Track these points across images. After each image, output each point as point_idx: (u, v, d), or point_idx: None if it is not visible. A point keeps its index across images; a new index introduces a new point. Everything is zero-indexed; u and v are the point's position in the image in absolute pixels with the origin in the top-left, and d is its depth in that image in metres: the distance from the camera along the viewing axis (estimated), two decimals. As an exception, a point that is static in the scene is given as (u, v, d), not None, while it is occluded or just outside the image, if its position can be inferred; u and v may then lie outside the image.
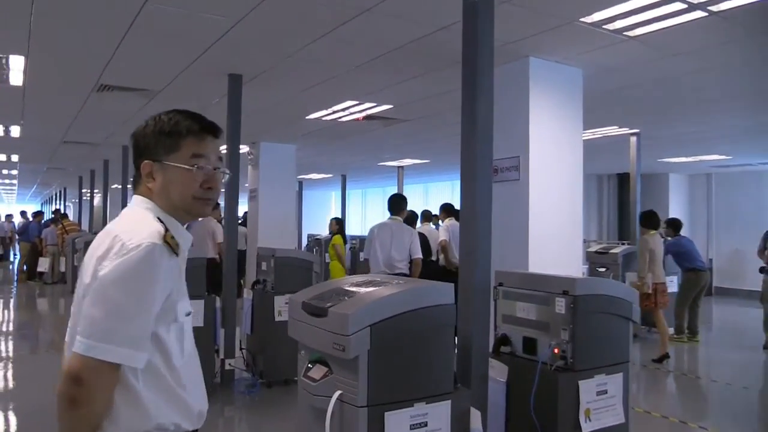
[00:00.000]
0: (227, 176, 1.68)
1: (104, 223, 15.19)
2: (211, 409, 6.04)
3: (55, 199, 29.34)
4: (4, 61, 5.49)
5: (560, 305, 3.16)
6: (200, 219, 12.57)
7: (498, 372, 3.27)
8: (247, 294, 6.42)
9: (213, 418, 5.30)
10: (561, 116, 5.28)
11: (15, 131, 9.57)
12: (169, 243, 1.48)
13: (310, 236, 16.62)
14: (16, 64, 5.62)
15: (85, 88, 6.50)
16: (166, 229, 1.50)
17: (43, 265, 14.54)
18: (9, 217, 26.32)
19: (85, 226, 21.72)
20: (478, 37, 3.20)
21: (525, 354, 3.33)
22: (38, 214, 18.02)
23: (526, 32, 4.52)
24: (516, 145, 5.13)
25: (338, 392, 2.46)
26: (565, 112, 5.30)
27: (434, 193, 19.10)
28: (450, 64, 5.15)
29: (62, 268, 14.14)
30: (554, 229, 5.18)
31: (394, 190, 14.13)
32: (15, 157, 13.41)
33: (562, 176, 5.29)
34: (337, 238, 10.23)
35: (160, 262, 1.45)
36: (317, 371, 2.61)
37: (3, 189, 24.56)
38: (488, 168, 3.26)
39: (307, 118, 8.02)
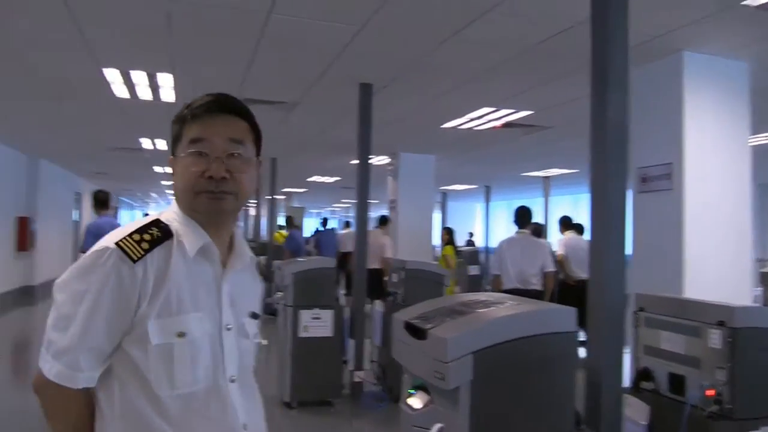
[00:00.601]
0: (253, 162, 1.39)
1: (258, 232, 16.03)
2: (339, 422, 5.90)
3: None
4: (154, 79, 5.86)
5: (715, 339, 2.65)
6: (343, 230, 12.83)
7: (637, 412, 2.82)
8: (379, 306, 6.36)
9: (340, 430, 5.24)
10: (722, 118, 4.63)
11: (176, 147, 10.29)
12: (123, 247, 1.26)
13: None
14: (166, 82, 5.97)
15: (229, 103, 6.77)
16: (135, 232, 1.29)
17: None
18: None
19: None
20: (608, 30, 2.82)
21: (671, 393, 2.85)
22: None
23: (678, 23, 3.99)
24: (668, 150, 4.60)
25: (438, 425, 2.19)
26: (727, 112, 4.65)
27: (585, 204, 17.95)
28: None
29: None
30: (716, 247, 4.55)
31: (540, 202, 13.50)
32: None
33: (726, 185, 4.64)
34: (448, 249, 9.84)
35: (109, 268, 1.24)
36: (418, 399, 2.36)
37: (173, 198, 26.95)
38: (622, 177, 2.85)
39: (442, 126, 7.82)
